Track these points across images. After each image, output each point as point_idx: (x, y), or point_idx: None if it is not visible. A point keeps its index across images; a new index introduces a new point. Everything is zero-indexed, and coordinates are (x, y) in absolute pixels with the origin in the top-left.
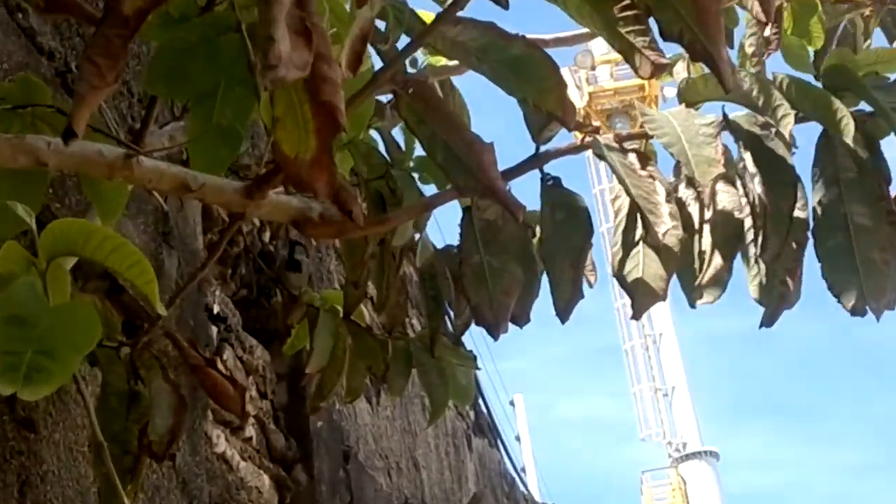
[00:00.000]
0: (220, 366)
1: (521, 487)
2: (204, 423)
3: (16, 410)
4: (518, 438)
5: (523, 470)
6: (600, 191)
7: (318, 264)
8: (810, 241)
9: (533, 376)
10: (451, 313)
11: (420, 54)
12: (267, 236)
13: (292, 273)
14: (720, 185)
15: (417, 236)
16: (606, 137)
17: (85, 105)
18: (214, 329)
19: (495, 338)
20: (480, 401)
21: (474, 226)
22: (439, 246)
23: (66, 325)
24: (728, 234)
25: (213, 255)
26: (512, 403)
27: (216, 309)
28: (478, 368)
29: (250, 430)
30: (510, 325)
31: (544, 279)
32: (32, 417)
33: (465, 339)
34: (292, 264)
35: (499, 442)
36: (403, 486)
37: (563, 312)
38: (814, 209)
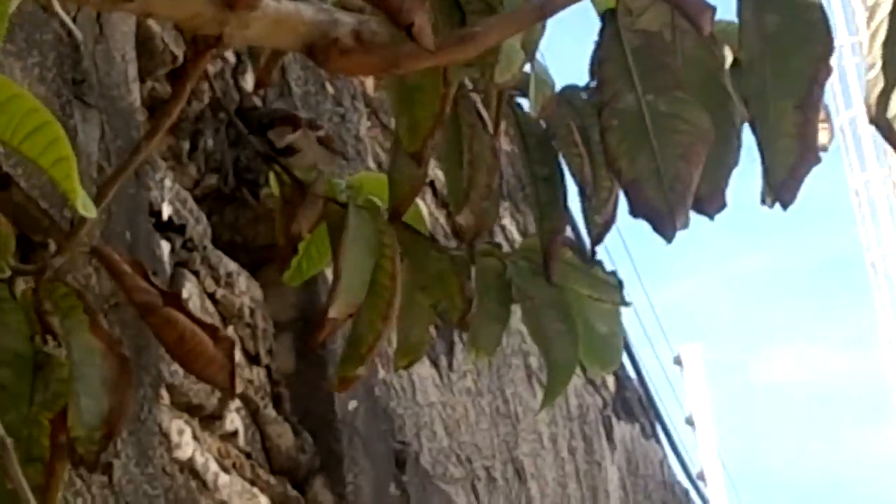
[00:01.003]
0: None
1: None
2: (156, 408)
3: None
4: (690, 422)
5: (700, 476)
6: None
7: (338, 126)
8: None
9: (712, 314)
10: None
11: None
12: (249, 81)
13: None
14: None
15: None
16: None
17: None
18: (165, 246)
19: (668, 237)
20: (625, 358)
21: (623, 44)
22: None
23: None
24: None
25: (163, 118)
26: (678, 361)
27: (166, 211)
28: (627, 304)
29: (234, 421)
30: (692, 214)
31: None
32: None
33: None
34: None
35: (659, 428)
36: None
37: (784, 190)
38: None
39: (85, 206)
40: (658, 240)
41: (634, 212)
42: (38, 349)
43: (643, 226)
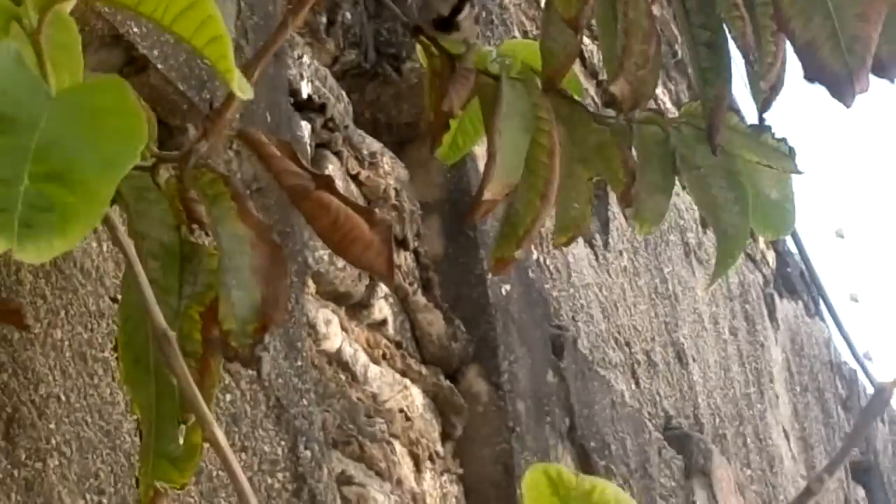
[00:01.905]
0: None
1: (870, 389)
2: (302, 298)
3: None
4: (855, 299)
5: (868, 356)
6: None
7: None
8: None
9: (876, 185)
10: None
11: None
12: None
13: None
14: None
15: None
16: None
17: None
18: (306, 126)
19: (848, 102)
20: None
21: None
22: None
23: (86, 124)
24: None
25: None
26: (840, 235)
27: (306, 89)
28: (799, 172)
29: (383, 308)
30: (871, 77)
31: None
32: (15, 302)
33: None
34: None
35: (823, 306)
36: (661, 394)
37: None
38: None
39: (241, 88)
40: (816, 107)
41: (809, 76)
42: (185, 240)
43: (801, 94)
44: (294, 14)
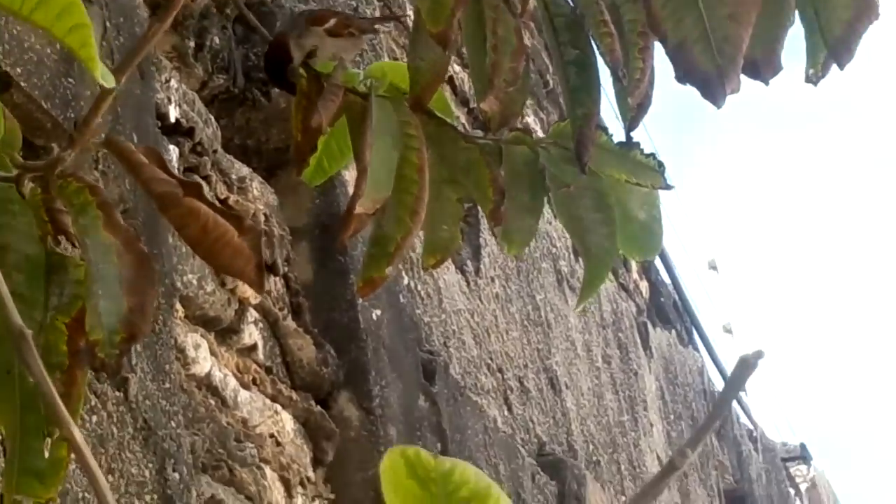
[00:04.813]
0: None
1: (743, 418)
2: (170, 321)
3: None
4: (729, 330)
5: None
6: None
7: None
8: None
9: (750, 214)
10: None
11: None
12: None
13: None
14: None
15: None
16: None
17: None
18: (174, 150)
19: (719, 102)
20: (659, 262)
21: None
22: None
23: None
24: None
25: (170, 10)
26: (713, 266)
27: (174, 113)
28: (669, 187)
29: (252, 334)
30: (742, 79)
31: None
32: None
33: None
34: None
35: (697, 335)
36: (534, 420)
37: (841, 48)
38: None
39: (104, 77)
40: (690, 136)
41: (681, 76)
42: (51, 251)
43: (673, 121)
44: (162, 21)
